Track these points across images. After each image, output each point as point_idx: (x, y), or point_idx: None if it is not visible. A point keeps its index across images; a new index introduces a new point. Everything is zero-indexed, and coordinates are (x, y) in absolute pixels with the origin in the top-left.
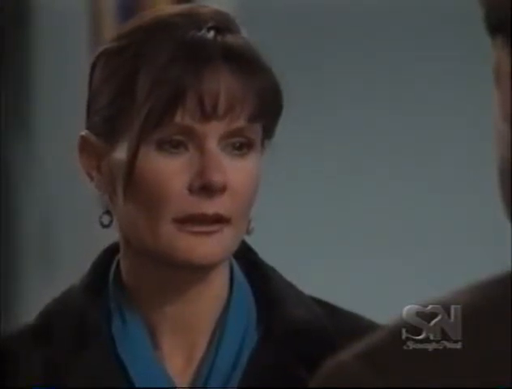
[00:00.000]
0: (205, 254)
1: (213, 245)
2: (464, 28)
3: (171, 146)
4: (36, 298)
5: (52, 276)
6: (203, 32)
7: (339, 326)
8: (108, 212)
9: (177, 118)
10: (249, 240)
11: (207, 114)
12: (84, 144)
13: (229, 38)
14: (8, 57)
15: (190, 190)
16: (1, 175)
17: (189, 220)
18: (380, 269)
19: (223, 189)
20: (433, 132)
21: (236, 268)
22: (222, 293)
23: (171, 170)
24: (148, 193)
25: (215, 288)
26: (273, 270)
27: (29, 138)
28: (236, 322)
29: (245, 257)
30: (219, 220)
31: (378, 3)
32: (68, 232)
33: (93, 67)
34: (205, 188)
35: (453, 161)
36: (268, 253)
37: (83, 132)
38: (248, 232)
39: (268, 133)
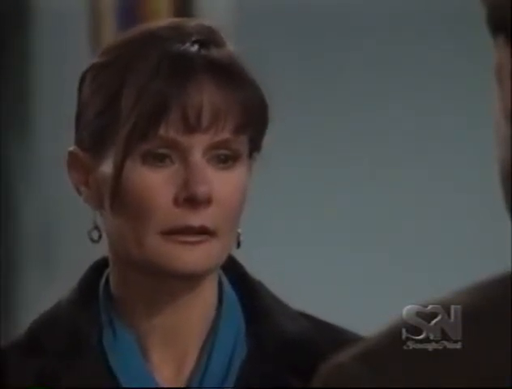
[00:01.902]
0: (190, 264)
1: (198, 255)
2: (464, 28)
3: (156, 159)
4: (35, 299)
5: (51, 277)
6: (187, 45)
7: (326, 339)
8: (96, 227)
9: (162, 131)
10: (249, 244)
11: (191, 126)
12: (72, 159)
13: (214, 51)
14: (8, 58)
15: (176, 202)
16: (0, 175)
17: (175, 232)
18: (380, 269)
19: (208, 201)
20: (433, 132)
21: (225, 281)
22: (211, 306)
23: (156, 183)
24: (134, 206)
25: (204, 300)
26: (259, 283)
27: (29, 138)
28: (226, 334)
29: (232, 270)
30: (205, 232)
31: (378, 4)
32: (67, 232)
33: (82, 82)
34: (190, 200)
35: (453, 161)
36: (269, 254)
37: (72, 148)
38: (238, 245)
39: (255, 145)
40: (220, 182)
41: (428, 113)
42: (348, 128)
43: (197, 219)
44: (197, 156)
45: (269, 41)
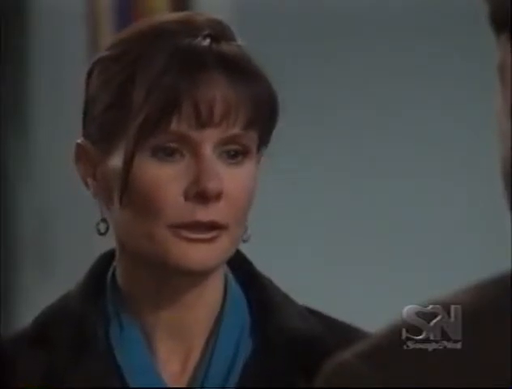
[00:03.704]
0: (199, 260)
1: (208, 251)
2: (466, 27)
3: (166, 153)
4: (34, 298)
5: (50, 277)
6: (199, 39)
7: (335, 336)
8: (104, 220)
9: (173, 125)
10: (250, 247)
11: (203, 121)
12: (80, 152)
13: (224, 46)
14: (7, 58)
15: (186, 197)
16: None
17: (184, 227)
18: (380, 269)
19: (218, 196)
20: (432, 133)
21: (230, 277)
22: (216, 300)
23: (166, 177)
24: (144, 200)
25: (210, 294)
26: (268, 280)
27: (27, 137)
28: (229, 330)
29: (241, 267)
30: (215, 226)
31: (378, 4)
32: (66, 232)
33: (89, 75)
34: (200, 195)
35: (453, 162)
36: (268, 253)
37: (79, 140)
38: (245, 239)
39: (264, 140)
40: (230, 178)
41: (428, 114)
42: (349, 128)
43: (206, 214)
44: (207, 151)
45: (267, 41)
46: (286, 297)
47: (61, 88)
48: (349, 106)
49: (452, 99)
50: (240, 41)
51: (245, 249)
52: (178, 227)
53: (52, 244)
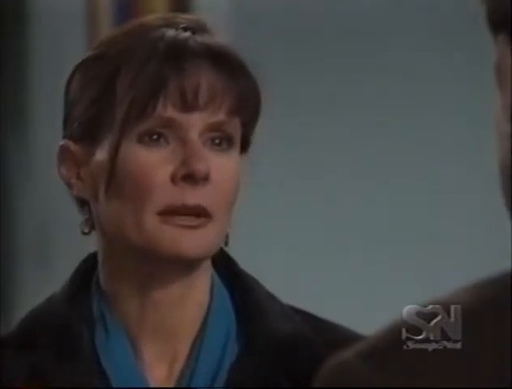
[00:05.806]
0: (190, 247)
1: (197, 239)
2: (465, 28)
3: (151, 139)
4: (33, 298)
5: (49, 276)
6: (180, 31)
7: (321, 336)
8: (86, 220)
9: (159, 110)
10: (250, 247)
11: (189, 104)
12: (64, 153)
13: (206, 37)
14: (6, 58)
15: (173, 180)
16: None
17: (172, 212)
18: (380, 269)
19: (206, 178)
20: (432, 133)
21: (216, 277)
22: (202, 302)
23: (153, 162)
24: (131, 187)
25: (196, 295)
26: (254, 280)
27: (27, 138)
28: (215, 333)
29: (226, 267)
30: (202, 213)
31: (378, 3)
32: (67, 232)
33: (70, 80)
34: (188, 177)
35: (453, 162)
36: (268, 254)
37: (62, 142)
38: (225, 242)
39: (246, 134)
40: (216, 164)
41: (428, 114)
42: (350, 128)
43: (193, 197)
44: (194, 135)
45: (267, 41)
46: (271, 296)
47: (61, 88)
48: (349, 106)
49: (452, 99)
50: (219, 37)
51: (247, 249)
52: (167, 213)
53: (52, 244)
